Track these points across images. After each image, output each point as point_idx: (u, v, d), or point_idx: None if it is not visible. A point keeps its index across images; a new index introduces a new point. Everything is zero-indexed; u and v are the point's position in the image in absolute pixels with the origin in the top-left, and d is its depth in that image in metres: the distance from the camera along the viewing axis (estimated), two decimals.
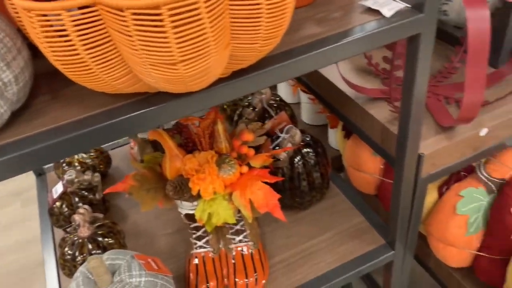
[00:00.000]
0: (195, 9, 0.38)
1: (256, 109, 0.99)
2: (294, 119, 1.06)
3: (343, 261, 0.85)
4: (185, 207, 0.81)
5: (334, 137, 1.36)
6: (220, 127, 0.78)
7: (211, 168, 0.76)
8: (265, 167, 0.85)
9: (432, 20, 0.58)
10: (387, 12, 0.58)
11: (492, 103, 0.80)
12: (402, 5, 0.59)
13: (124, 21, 0.38)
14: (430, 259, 1.03)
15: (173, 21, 0.38)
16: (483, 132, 0.77)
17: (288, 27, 0.59)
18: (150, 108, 0.49)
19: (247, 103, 1.02)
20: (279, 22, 0.44)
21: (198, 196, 0.76)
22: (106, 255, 0.74)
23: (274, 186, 0.88)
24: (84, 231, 0.86)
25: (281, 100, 1.04)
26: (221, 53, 0.43)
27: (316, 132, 1.45)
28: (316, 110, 1.39)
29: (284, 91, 1.55)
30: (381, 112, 0.82)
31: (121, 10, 0.37)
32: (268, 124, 0.83)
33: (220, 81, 0.50)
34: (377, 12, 0.59)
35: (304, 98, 1.42)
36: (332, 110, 0.96)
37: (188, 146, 0.81)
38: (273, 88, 1.61)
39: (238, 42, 0.45)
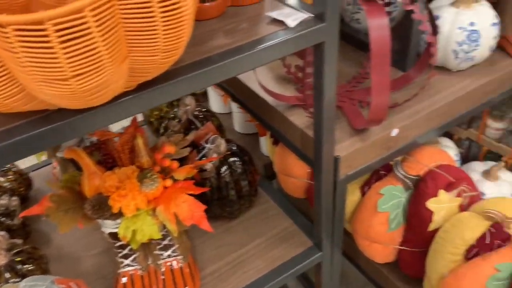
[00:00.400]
0: (83, 23, 0.37)
1: (182, 121, 0.99)
2: (221, 129, 1.06)
3: (273, 266, 0.86)
4: (108, 226, 0.78)
5: (265, 144, 1.38)
6: (139, 141, 0.76)
7: (132, 183, 0.74)
8: (192, 178, 0.85)
9: (334, 28, 0.61)
10: (291, 22, 0.60)
11: (401, 105, 0.85)
12: (306, 15, 0.62)
13: (7, 37, 0.36)
14: (359, 257, 1.07)
15: (60, 36, 0.37)
16: (394, 132, 0.82)
17: (198, 38, 0.60)
18: (51, 126, 0.47)
19: (172, 115, 1.02)
20: (178, 34, 0.45)
21: (120, 214, 0.74)
22: (23, 282, 0.70)
23: (202, 197, 0.88)
24: (0, 259, 0.81)
25: (208, 110, 1.05)
26: (118, 66, 0.43)
27: (248, 141, 1.46)
28: (247, 119, 1.41)
29: (215, 101, 1.55)
30: (300, 118, 0.84)
31: (2, 27, 0.36)
32: (191, 136, 0.83)
33: (125, 94, 0.50)
34: (282, 22, 0.61)
35: (235, 107, 1.44)
36: (257, 118, 0.98)
37: (108, 162, 0.79)
38: (204, 98, 1.62)
39: (136, 55, 0.44)
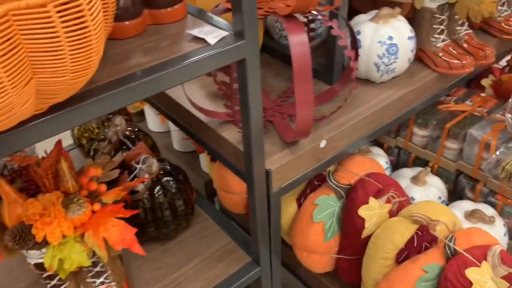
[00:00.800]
0: None
1: (112, 142, 0.96)
2: (155, 148, 1.05)
3: (211, 285, 0.85)
4: (33, 256, 0.74)
5: (204, 162, 1.38)
6: (64, 165, 0.73)
7: (57, 210, 0.71)
8: (124, 201, 0.82)
9: (254, 45, 0.63)
10: (212, 39, 0.61)
11: (328, 117, 0.88)
12: (226, 33, 0.62)
13: None
14: (300, 268, 1.08)
15: None
16: (323, 143, 0.85)
17: (116, 57, 0.59)
18: None
19: (103, 137, 0.99)
20: (86, 54, 0.43)
21: (46, 242, 0.70)
22: None
23: (135, 219, 0.86)
24: None
25: (140, 130, 1.03)
26: (21, 89, 0.41)
27: (188, 158, 1.45)
28: (184, 137, 1.40)
29: (153, 120, 1.53)
30: (232, 134, 0.85)
31: None
32: (118, 157, 0.81)
33: (35, 117, 0.48)
34: (203, 40, 0.62)
35: (173, 126, 1.42)
36: (192, 136, 0.97)
37: (31, 189, 0.75)
38: (141, 118, 1.59)
39: (43, 77, 0.43)
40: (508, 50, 1.19)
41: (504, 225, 1.04)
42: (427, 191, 1.11)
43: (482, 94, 1.26)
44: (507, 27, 1.12)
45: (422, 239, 0.84)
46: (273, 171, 0.79)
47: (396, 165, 1.28)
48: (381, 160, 1.22)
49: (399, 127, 1.24)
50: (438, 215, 0.87)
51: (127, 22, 0.63)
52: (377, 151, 1.25)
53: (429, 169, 1.13)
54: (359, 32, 0.94)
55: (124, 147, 0.97)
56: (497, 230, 1.01)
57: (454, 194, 1.19)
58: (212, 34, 0.62)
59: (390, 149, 1.29)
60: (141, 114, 1.60)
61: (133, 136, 0.99)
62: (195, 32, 0.62)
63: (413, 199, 1.10)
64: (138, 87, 0.54)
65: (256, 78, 0.66)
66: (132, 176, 0.87)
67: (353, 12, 1.14)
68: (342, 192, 0.96)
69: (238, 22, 0.61)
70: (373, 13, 0.96)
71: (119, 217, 0.74)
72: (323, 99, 0.94)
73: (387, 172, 1.22)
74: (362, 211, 0.90)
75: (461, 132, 1.11)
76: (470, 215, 1.03)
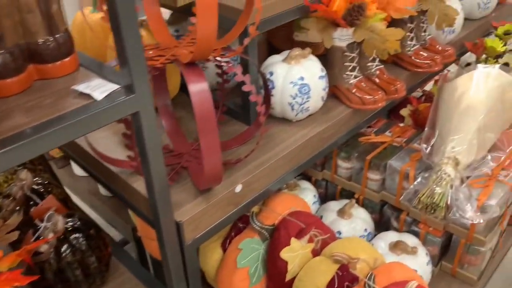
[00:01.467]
0: None
1: (17, 198, 0.89)
2: (67, 200, 0.98)
3: None
4: None
5: None
6: None
7: None
8: (27, 265, 0.76)
9: (146, 98, 0.60)
10: (99, 95, 0.58)
11: (243, 160, 0.86)
12: (116, 86, 0.60)
13: None
14: None
15: None
16: (238, 188, 0.83)
17: None
18: None
19: (7, 193, 0.91)
20: None
21: None
22: None
23: (42, 282, 0.79)
24: None
25: (50, 182, 0.96)
26: None
27: (115, 203, 1.39)
28: None
29: (76, 166, 1.46)
30: (143, 184, 0.80)
31: None
32: (14, 219, 0.74)
33: None
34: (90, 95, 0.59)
35: None
36: (104, 185, 0.93)
37: None
38: (67, 162, 1.52)
39: None
40: (419, 82, 1.25)
41: (426, 254, 1.06)
42: (354, 224, 1.12)
43: (401, 124, 1.30)
44: (417, 60, 1.17)
45: (343, 279, 0.83)
46: (184, 223, 0.75)
47: (325, 197, 1.29)
48: (309, 194, 1.22)
49: (324, 160, 1.25)
50: (359, 252, 0.87)
51: (8, 80, 0.59)
52: (305, 185, 1.25)
53: (354, 201, 1.14)
54: (272, 73, 0.94)
55: (31, 202, 0.90)
56: (420, 260, 1.02)
57: (381, 225, 1.21)
58: (100, 89, 0.59)
59: (318, 181, 1.29)
60: (66, 158, 1.53)
61: (42, 189, 0.93)
62: (81, 87, 0.59)
63: (339, 233, 1.10)
64: (10, 153, 0.49)
65: (153, 129, 0.63)
66: (36, 235, 0.81)
67: (272, 50, 1.15)
68: (266, 234, 0.94)
69: (126, 76, 0.58)
70: (285, 53, 0.97)
71: (17, 285, 0.68)
72: (241, 140, 0.93)
73: (316, 206, 1.22)
74: (284, 254, 0.89)
75: (381, 163, 1.14)
76: (394, 246, 1.04)
